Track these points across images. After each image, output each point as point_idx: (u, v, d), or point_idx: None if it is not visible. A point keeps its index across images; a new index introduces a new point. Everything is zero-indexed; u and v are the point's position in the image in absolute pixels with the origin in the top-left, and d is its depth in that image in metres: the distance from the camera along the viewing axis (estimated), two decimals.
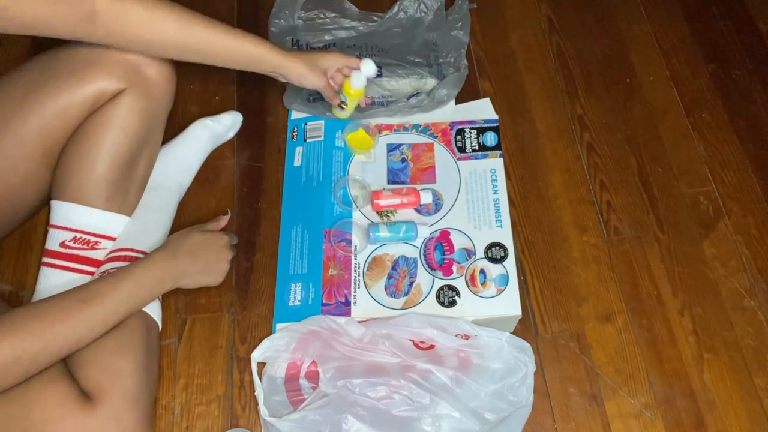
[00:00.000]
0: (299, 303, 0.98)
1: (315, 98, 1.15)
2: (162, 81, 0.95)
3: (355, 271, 0.99)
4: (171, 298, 1.01)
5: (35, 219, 1.06)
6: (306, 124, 1.14)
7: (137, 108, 0.92)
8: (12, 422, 0.76)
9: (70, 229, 0.94)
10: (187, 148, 1.09)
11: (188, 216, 1.09)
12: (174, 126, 1.11)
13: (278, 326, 0.96)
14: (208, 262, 0.95)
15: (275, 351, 0.93)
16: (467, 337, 0.92)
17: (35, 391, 0.77)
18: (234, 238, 1.03)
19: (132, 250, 0.96)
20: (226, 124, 1.14)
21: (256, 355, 0.92)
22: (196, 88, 1.23)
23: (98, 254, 0.95)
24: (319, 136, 1.12)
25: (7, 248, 1.05)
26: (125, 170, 0.94)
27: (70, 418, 0.77)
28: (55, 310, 0.79)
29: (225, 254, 0.97)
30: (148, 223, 1.00)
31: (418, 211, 1.04)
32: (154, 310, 0.92)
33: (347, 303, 0.97)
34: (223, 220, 1.05)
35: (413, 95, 1.14)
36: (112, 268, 0.93)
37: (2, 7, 0.72)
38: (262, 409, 0.88)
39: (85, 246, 0.94)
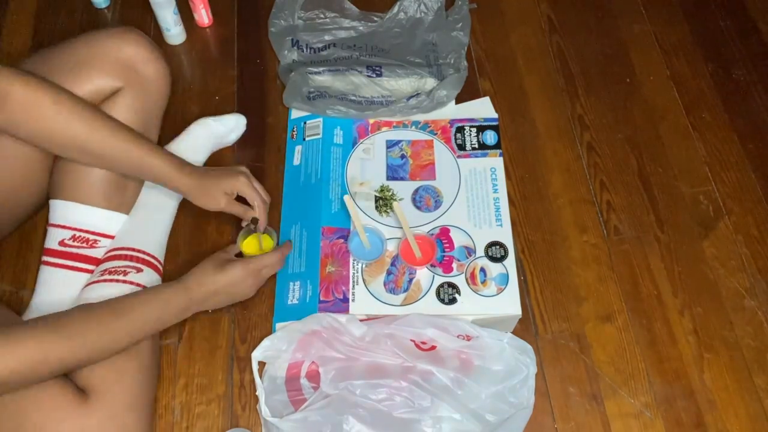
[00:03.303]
0: (297, 302, 0.98)
1: (314, 96, 1.15)
2: (158, 79, 0.95)
3: (354, 267, 0.99)
4: None
5: (35, 219, 1.06)
6: (305, 122, 1.14)
7: (134, 107, 0.92)
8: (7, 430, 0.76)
9: (69, 228, 0.94)
10: (188, 147, 1.09)
11: (188, 216, 1.08)
12: (175, 126, 1.11)
13: (278, 325, 0.96)
14: (236, 295, 0.93)
15: (276, 351, 0.93)
16: (468, 338, 0.92)
17: (29, 397, 0.76)
18: (281, 262, 0.97)
19: (131, 249, 0.96)
20: (229, 126, 1.13)
21: (257, 355, 0.92)
22: (196, 88, 1.23)
23: (97, 252, 0.95)
24: (318, 134, 1.12)
25: (7, 248, 1.05)
26: None
27: (68, 420, 0.77)
28: (89, 317, 0.78)
29: (255, 288, 0.94)
30: (147, 221, 1.00)
31: (417, 207, 1.04)
32: None
33: (345, 300, 0.96)
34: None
35: (413, 96, 1.14)
36: (111, 267, 0.93)
37: None
38: (264, 409, 0.88)
39: (84, 244, 0.94)
